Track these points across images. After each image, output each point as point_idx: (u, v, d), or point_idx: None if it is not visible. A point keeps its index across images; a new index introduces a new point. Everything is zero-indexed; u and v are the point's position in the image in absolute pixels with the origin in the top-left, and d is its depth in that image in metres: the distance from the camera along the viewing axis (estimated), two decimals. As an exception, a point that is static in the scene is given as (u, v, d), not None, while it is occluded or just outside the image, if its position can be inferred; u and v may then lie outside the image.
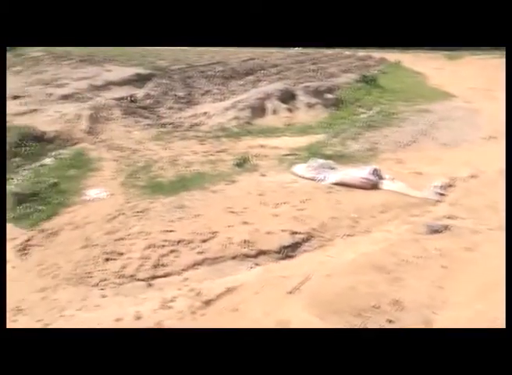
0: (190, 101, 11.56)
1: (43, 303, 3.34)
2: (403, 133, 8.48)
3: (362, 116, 10.31)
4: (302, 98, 11.53)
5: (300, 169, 6.23)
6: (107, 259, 3.89)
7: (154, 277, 3.65)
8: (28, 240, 4.42)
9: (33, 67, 14.20)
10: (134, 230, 4.40)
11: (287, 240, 4.26)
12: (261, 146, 7.91)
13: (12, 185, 6.59)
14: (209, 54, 18.32)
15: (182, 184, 5.85)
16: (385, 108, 10.85)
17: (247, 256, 3.99)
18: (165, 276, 3.68)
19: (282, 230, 4.40)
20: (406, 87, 14.05)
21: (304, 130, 9.42)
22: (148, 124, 9.63)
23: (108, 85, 11.75)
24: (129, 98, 10.84)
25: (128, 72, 12.99)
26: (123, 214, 4.90)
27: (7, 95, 10.69)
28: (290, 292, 3.45)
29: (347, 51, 21.77)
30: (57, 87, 11.28)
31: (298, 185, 5.76)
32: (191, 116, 10.45)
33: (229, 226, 4.47)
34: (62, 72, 13.15)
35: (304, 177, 6.02)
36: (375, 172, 5.90)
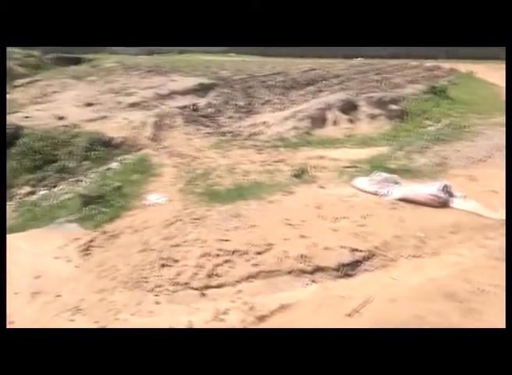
0: (249, 111, 11.65)
1: (100, 304, 3.39)
2: (477, 148, 7.84)
3: (430, 128, 9.73)
4: (364, 109, 11.17)
5: (362, 182, 5.94)
6: (163, 265, 3.90)
7: (207, 287, 3.59)
8: (91, 241, 4.58)
9: (106, 77, 15.16)
10: (190, 237, 4.40)
11: (347, 257, 4.01)
12: (320, 157, 7.71)
13: (81, 187, 6.96)
14: (270, 64, 18.48)
15: (239, 193, 5.82)
16: (456, 121, 10.15)
17: (303, 272, 3.81)
18: (218, 286, 3.60)
19: (342, 247, 4.17)
20: (479, 99, 13.13)
21: (366, 141, 9.07)
22: (208, 132, 9.81)
23: (172, 94, 12.21)
24: (191, 107, 11.16)
25: (192, 82, 13.42)
26: (180, 220, 4.93)
27: (82, 103, 11.48)
28: (349, 314, 3.21)
29: (414, 62, 20.92)
30: (126, 96, 11.91)
31: (359, 199, 5.47)
32: (250, 125, 10.51)
33: (285, 239, 4.32)
34: (131, 81, 13.89)
35: (365, 191, 5.72)
36: (445, 188, 5.46)
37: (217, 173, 6.83)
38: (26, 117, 9.81)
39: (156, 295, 3.50)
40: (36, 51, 23.92)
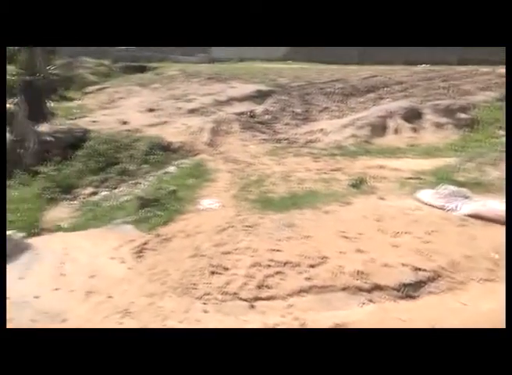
0: (306, 118, 11.45)
1: (149, 309, 3.38)
2: (561, 162, 7.02)
3: (504, 139, 8.91)
4: (429, 117, 10.53)
5: (426, 195, 5.50)
6: (212, 273, 3.82)
7: (257, 299, 3.44)
8: (145, 243, 4.64)
9: (168, 84, 15.73)
10: (242, 245, 4.29)
11: (409, 276, 3.68)
12: (380, 167, 7.32)
13: (139, 189, 7.18)
14: (329, 71, 18.11)
15: (293, 202, 5.64)
16: (535, 130, 9.22)
17: (359, 289, 3.53)
18: (268, 299, 3.44)
19: (403, 264, 3.83)
20: (562, 107, 11.86)
21: (431, 152, 8.51)
22: (264, 139, 9.76)
23: (230, 101, 12.35)
24: (248, 113, 11.19)
25: (250, 88, 13.50)
26: (233, 227, 4.86)
27: (144, 108, 11.96)
28: (411, 341, 2.90)
29: (485, 68, 19.52)
30: (186, 102, 12.23)
31: (423, 213, 5.06)
32: (307, 132, 10.31)
33: (340, 253, 4.06)
34: (192, 88, 14.26)
35: (430, 205, 5.28)
36: (524, 205, 4.88)
37: (271, 180, 6.71)
38: (94, 121, 10.38)
39: (204, 303, 3.42)
40: (106, 61, 25.57)
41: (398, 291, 3.54)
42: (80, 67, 20.62)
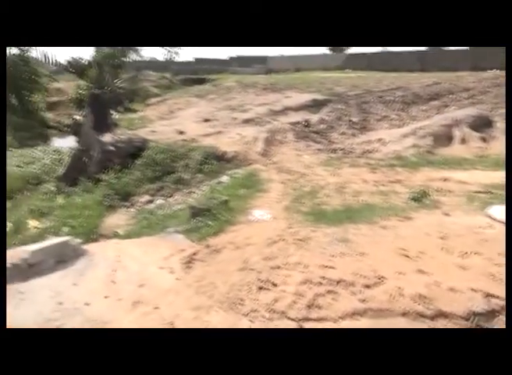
0: (364, 127, 11.06)
1: (194, 323, 3.28)
2: None
3: None
4: (501, 126, 9.71)
5: (499, 211, 4.95)
6: (260, 288, 3.66)
7: (306, 319, 3.22)
8: (194, 253, 4.61)
9: (225, 95, 16.05)
10: (292, 260, 4.10)
11: (479, 304, 3.26)
12: (445, 179, 6.80)
13: (192, 199, 7.25)
14: (389, 79, 17.46)
15: (347, 215, 5.35)
16: None
17: (421, 316, 3.18)
18: (318, 320, 3.20)
19: (472, 290, 3.41)
20: None
21: (503, 163, 7.76)
22: (319, 149, 9.53)
23: (285, 110, 12.28)
24: (303, 123, 11.03)
25: (305, 98, 13.36)
26: (283, 240, 4.68)
27: (201, 119, 12.23)
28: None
29: None
30: (241, 112, 12.35)
31: (495, 232, 4.54)
32: (364, 142, 9.93)
33: (399, 273, 3.72)
34: (248, 99, 14.41)
35: (504, 222, 4.74)
36: None
37: (325, 192, 6.47)
38: (153, 132, 10.79)
39: (250, 321, 3.26)
40: (168, 74, 26.77)
41: (466, 320, 3.14)
42: (144, 80, 21.76)
